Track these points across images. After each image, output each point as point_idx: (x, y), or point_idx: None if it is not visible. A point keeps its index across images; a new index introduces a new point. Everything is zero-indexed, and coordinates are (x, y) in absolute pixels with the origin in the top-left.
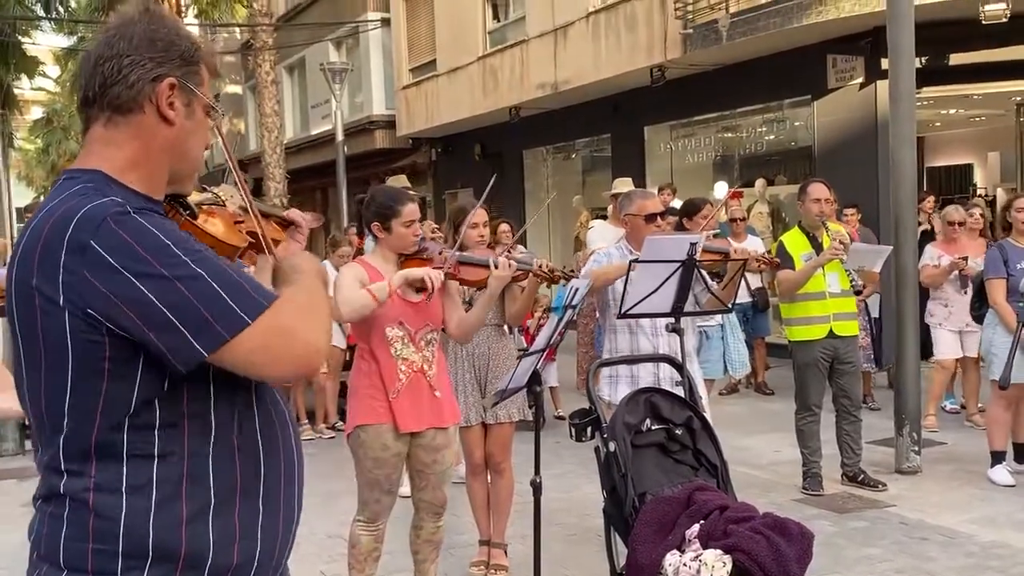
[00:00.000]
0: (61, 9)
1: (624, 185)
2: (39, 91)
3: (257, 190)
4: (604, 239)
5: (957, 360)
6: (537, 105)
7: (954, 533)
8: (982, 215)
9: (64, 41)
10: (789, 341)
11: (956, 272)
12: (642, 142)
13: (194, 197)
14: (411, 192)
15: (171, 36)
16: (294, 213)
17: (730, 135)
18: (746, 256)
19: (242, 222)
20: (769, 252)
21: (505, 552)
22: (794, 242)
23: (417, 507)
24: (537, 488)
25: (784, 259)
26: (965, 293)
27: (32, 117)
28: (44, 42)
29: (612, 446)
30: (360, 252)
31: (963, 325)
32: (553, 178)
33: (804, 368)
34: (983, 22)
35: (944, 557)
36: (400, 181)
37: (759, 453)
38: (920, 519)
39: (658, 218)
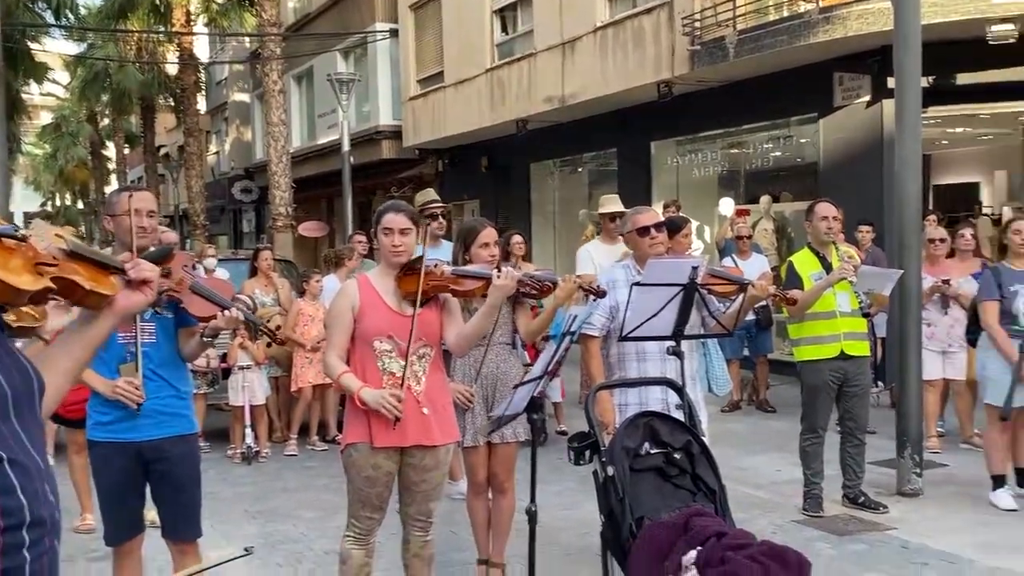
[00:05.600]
0: (71, 15)
1: (609, 202)
2: (48, 96)
3: (263, 199)
4: (594, 259)
5: (945, 381)
6: (544, 118)
7: (955, 558)
8: (973, 236)
9: (74, 48)
10: (798, 362)
11: (938, 294)
12: (648, 157)
13: None
14: (436, 205)
15: None
16: (137, 269)
17: (736, 151)
18: (765, 293)
19: (52, 265)
20: (776, 269)
21: (503, 572)
22: (804, 262)
23: (404, 522)
24: (532, 516)
25: (793, 279)
26: (946, 314)
27: (41, 122)
28: (53, 48)
29: (610, 470)
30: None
31: (945, 346)
32: (560, 191)
33: (813, 390)
34: (990, 42)
35: None
36: (427, 195)
37: (760, 472)
38: (922, 543)
39: (652, 230)
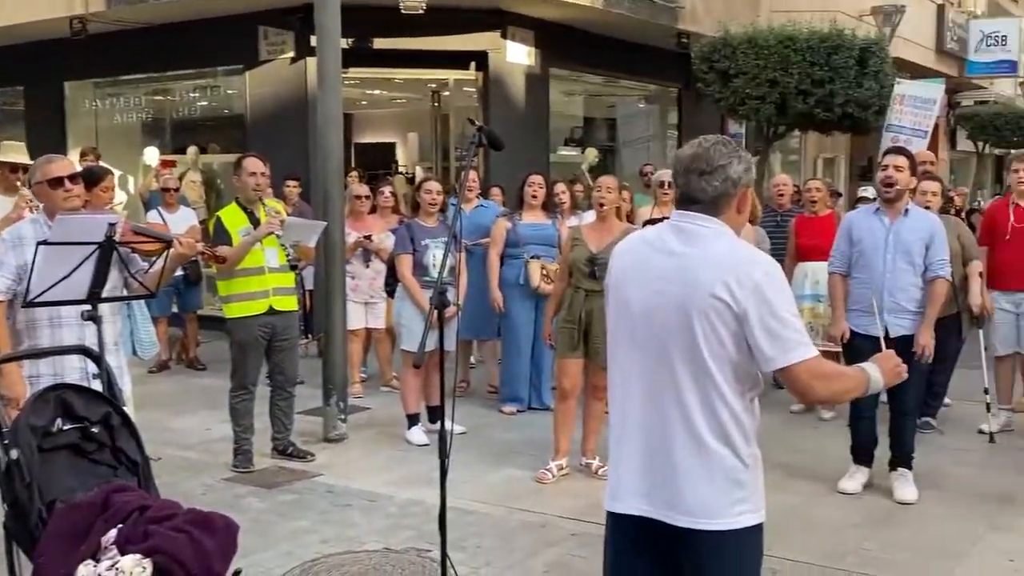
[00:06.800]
0: None
1: (12, 151)
2: None
3: None
4: None
5: (368, 330)
6: None
7: (375, 496)
8: (392, 193)
9: None
10: (228, 319)
11: (361, 248)
12: (62, 99)
13: None
14: None
15: None
16: None
17: (161, 98)
18: (192, 251)
19: None
20: (205, 223)
21: None
22: (232, 217)
23: None
24: None
25: (221, 234)
26: (368, 267)
27: None
28: None
29: (14, 453)
30: None
31: (368, 297)
32: None
33: (242, 346)
34: (402, 11)
35: (365, 521)
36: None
37: (190, 432)
38: (346, 485)
39: (66, 181)
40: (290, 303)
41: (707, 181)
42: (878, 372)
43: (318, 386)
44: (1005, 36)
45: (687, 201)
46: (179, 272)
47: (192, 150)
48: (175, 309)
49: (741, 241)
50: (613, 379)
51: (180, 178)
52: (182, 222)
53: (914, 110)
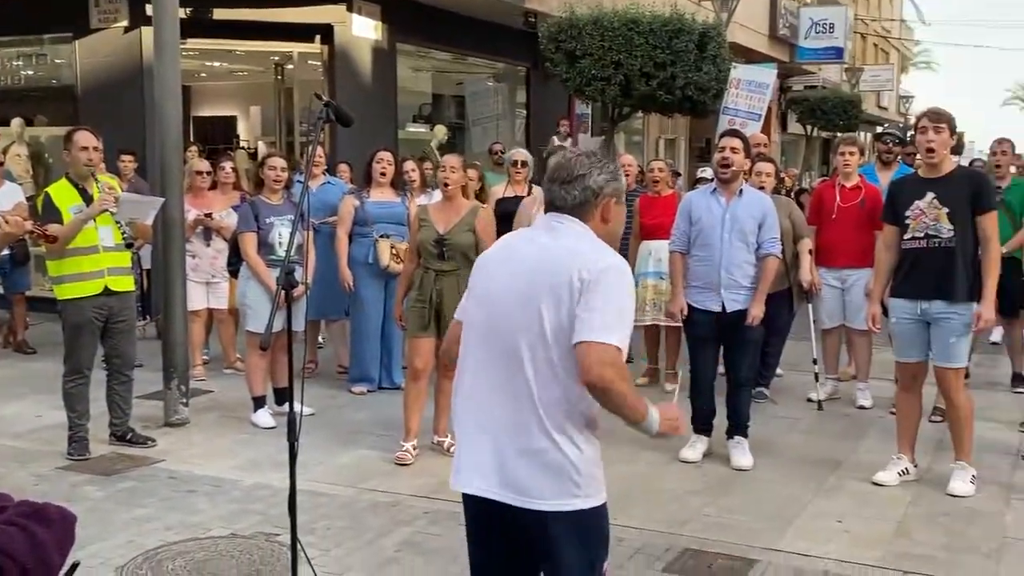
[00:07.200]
0: None
1: None
2: None
3: None
4: None
5: (210, 310)
6: None
7: (220, 481)
8: (233, 169)
9: None
10: (59, 300)
11: (201, 226)
12: None
13: None
14: None
15: None
16: None
17: None
18: (20, 229)
19: None
20: (32, 200)
21: None
22: (61, 194)
23: None
24: None
25: (51, 212)
26: (209, 245)
27: None
28: None
29: None
30: None
31: (209, 276)
32: None
33: (76, 328)
34: None
35: (210, 507)
36: None
37: (20, 420)
38: (188, 471)
39: None
40: (126, 283)
41: (567, 190)
42: (656, 416)
43: (158, 369)
44: (832, 24)
45: (553, 208)
46: (5, 251)
47: (17, 122)
48: (0, 290)
49: (603, 243)
50: (464, 363)
51: (4, 151)
52: (7, 199)
53: (749, 93)
